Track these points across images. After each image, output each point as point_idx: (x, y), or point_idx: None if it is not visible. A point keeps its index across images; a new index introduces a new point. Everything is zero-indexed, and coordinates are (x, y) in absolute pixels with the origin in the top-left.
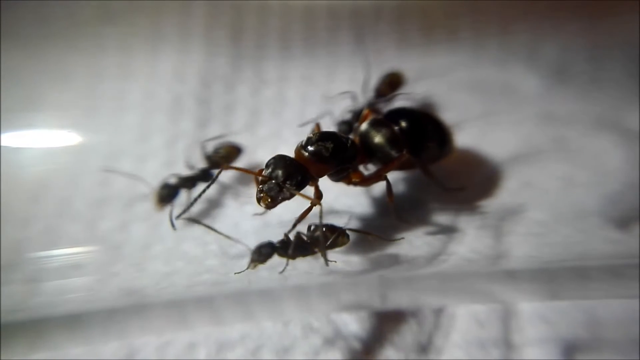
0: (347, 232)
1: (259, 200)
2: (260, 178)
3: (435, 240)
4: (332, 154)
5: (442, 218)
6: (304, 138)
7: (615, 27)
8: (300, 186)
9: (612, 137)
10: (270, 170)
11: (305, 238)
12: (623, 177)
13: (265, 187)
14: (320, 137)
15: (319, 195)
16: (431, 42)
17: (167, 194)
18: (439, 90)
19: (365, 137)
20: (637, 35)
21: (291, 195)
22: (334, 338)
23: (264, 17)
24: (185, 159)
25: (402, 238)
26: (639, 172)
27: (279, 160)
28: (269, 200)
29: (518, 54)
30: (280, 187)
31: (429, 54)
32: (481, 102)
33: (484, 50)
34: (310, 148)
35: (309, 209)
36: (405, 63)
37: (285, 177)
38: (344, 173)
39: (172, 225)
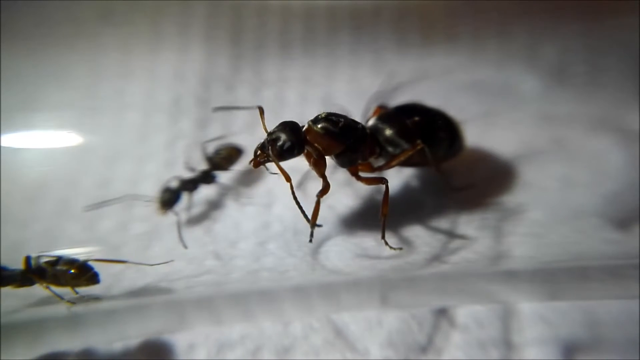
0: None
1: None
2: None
3: (435, 241)
4: (340, 130)
5: (441, 219)
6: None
7: (615, 27)
8: (287, 151)
9: (612, 138)
10: (272, 129)
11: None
12: (622, 178)
13: (260, 144)
14: (331, 113)
15: (324, 174)
16: (430, 43)
17: (169, 198)
18: (439, 91)
19: (376, 130)
20: (637, 35)
21: (275, 157)
22: (334, 338)
23: (263, 18)
24: (185, 161)
25: (401, 248)
26: (638, 173)
27: (283, 124)
28: (258, 155)
29: (517, 54)
30: (269, 145)
31: (428, 54)
32: (480, 102)
33: (483, 51)
34: (319, 122)
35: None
36: (404, 64)
37: (277, 138)
38: (352, 157)
39: (182, 242)
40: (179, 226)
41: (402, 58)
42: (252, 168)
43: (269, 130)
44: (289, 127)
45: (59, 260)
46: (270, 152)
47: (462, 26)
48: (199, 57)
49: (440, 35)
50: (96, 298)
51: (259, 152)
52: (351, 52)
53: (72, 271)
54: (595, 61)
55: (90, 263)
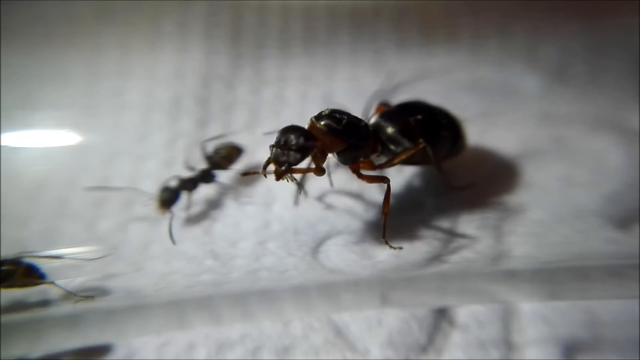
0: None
1: (268, 170)
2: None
3: (436, 241)
4: (344, 127)
5: (442, 218)
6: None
7: (615, 27)
8: (303, 149)
9: (612, 137)
10: (276, 138)
11: None
12: (623, 177)
13: (272, 154)
14: (334, 111)
15: (322, 169)
16: (430, 42)
17: (168, 198)
18: (439, 91)
19: (378, 128)
20: (637, 35)
21: (295, 159)
22: (334, 338)
23: (263, 17)
24: (184, 160)
25: (402, 248)
26: (638, 172)
27: (285, 128)
28: (276, 165)
29: (517, 54)
30: (283, 151)
31: (428, 54)
32: (480, 102)
33: (483, 50)
34: (323, 119)
35: (309, 171)
36: (404, 63)
37: (289, 140)
38: (354, 154)
39: (172, 238)
40: (170, 223)
41: (402, 57)
42: (259, 169)
43: (272, 143)
44: (291, 127)
45: (2, 262)
46: (287, 156)
47: (462, 26)
48: (198, 55)
49: (440, 35)
50: (91, 297)
51: (273, 165)
52: (351, 51)
53: (18, 272)
54: (595, 61)
55: (36, 264)
